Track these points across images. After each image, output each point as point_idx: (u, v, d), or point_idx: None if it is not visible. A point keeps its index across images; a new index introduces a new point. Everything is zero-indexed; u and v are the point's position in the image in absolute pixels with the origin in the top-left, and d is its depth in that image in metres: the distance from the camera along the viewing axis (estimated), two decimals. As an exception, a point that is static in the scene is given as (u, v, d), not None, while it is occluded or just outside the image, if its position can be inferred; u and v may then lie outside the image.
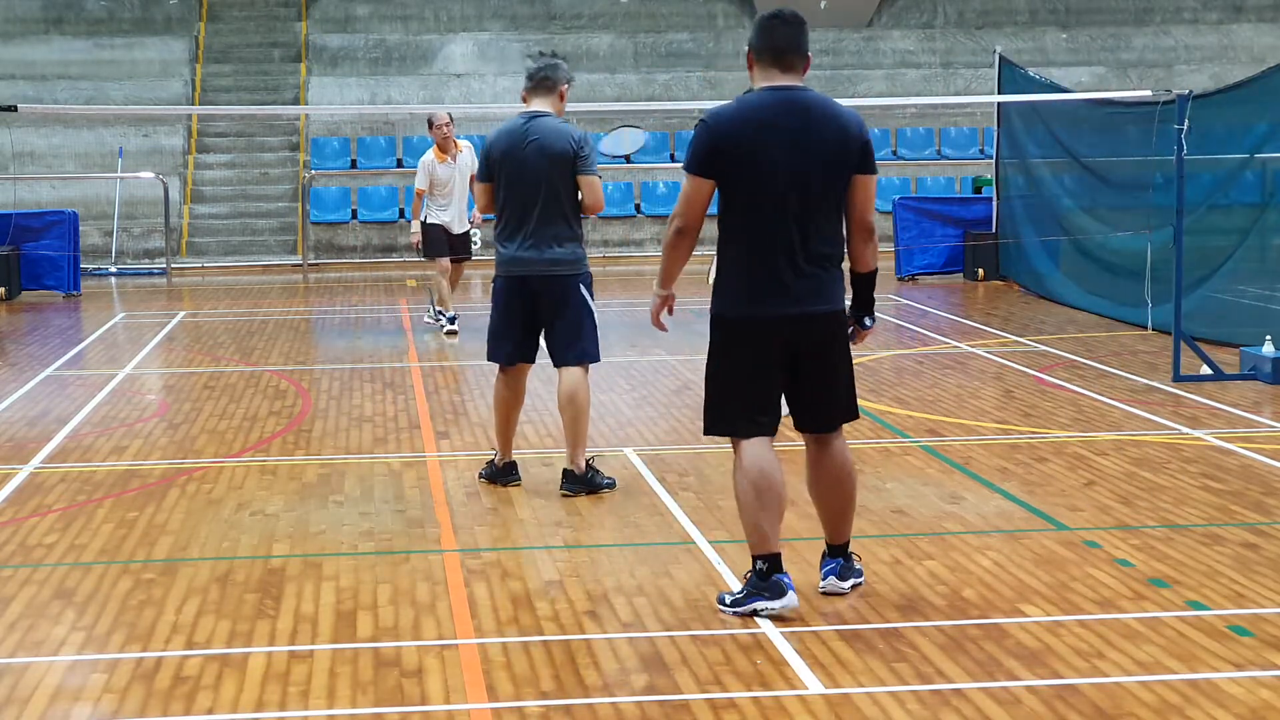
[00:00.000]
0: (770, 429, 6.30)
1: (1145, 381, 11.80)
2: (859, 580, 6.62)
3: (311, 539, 7.62)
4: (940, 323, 15.60)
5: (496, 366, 8.55)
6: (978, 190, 22.26)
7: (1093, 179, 16.51)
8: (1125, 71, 26.69)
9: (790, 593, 6.20)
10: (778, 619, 6.17)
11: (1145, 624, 6.15)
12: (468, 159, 14.78)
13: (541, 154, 8.14)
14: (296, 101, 25.40)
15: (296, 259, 22.99)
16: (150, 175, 23.05)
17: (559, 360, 8.37)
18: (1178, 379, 11.65)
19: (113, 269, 22.38)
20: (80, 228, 20.12)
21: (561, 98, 8.40)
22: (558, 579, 6.84)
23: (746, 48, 6.40)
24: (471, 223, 15.10)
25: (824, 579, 6.56)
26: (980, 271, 19.09)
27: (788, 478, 6.30)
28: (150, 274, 22.31)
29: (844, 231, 6.33)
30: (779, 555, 6.22)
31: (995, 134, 19.38)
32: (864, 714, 5.27)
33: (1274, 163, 13.96)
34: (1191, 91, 12.55)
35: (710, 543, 7.37)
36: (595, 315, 8.38)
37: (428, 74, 26.42)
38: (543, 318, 8.32)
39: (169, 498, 8.46)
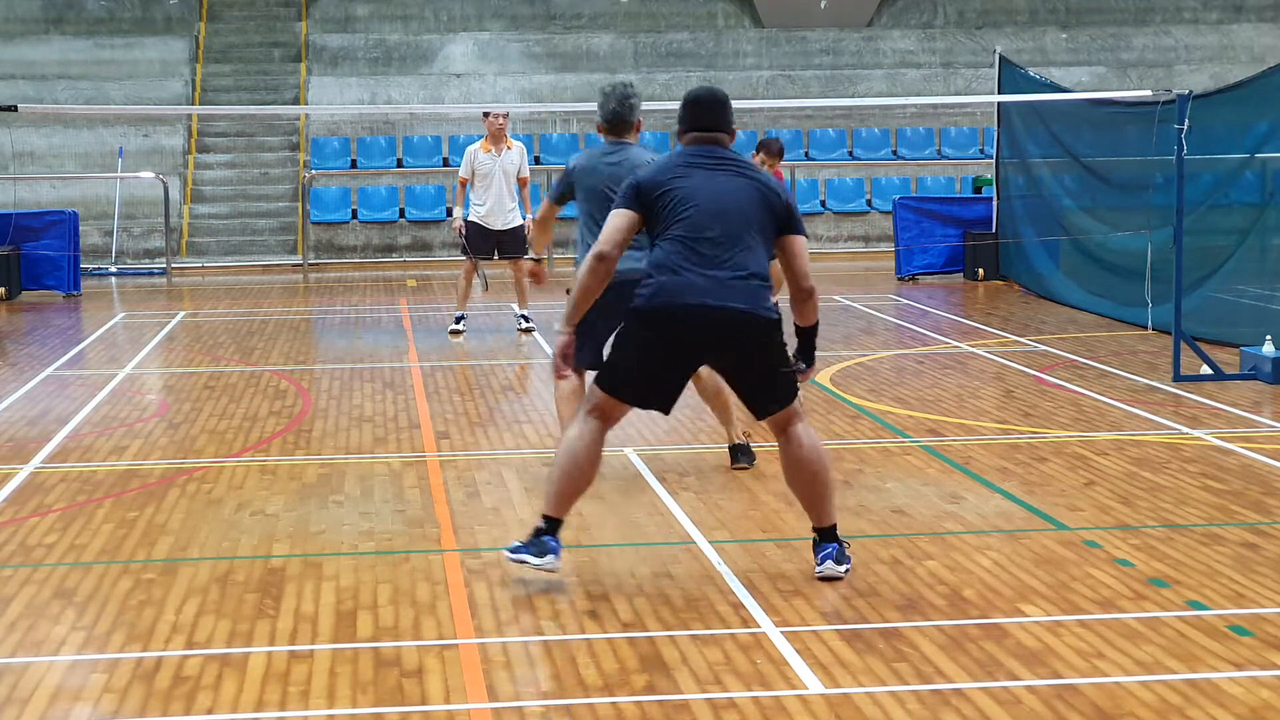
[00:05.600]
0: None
1: (1145, 381, 11.80)
2: (848, 565, 6.81)
3: (311, 539, 7.62)
4: (940, 323, 15.60)
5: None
6: (978, 190, 22.26)
7: (1093, 179, 16.51)
8: (1125, 71, 26.69)
9: (549, 555, 6.67)
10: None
11: (1145, 624, 6.15)
12: (515, 157, 14.81)
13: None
14: (296, 101, 25.40)
15: (296, 259, 22.99)
16: (150, 175, 23.06)
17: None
18: (1178, 379, 11.65)
19: (113, 269, 22.39)
20: (80, 228, 20.11)
21: (637, 129, 9.01)
22: (558, 579, 6.83)
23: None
24: (527, 226, 14.66)
25: (820, 564, 6.73)
26: (980, 271, 19.09)
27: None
28: (150, 274, 22.31)
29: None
30: (560, 522, 6.75)
31: (995, 134, 19.38)
32: (864, 714, 5.27)
33: (1274, 163, 13.95)
34: (1191, 91, 12.55)
35: (710, 543, 7.37)
36: None
37: (428, 74, 26.42)
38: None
39: (169, 498, 8.46)
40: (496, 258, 14.98)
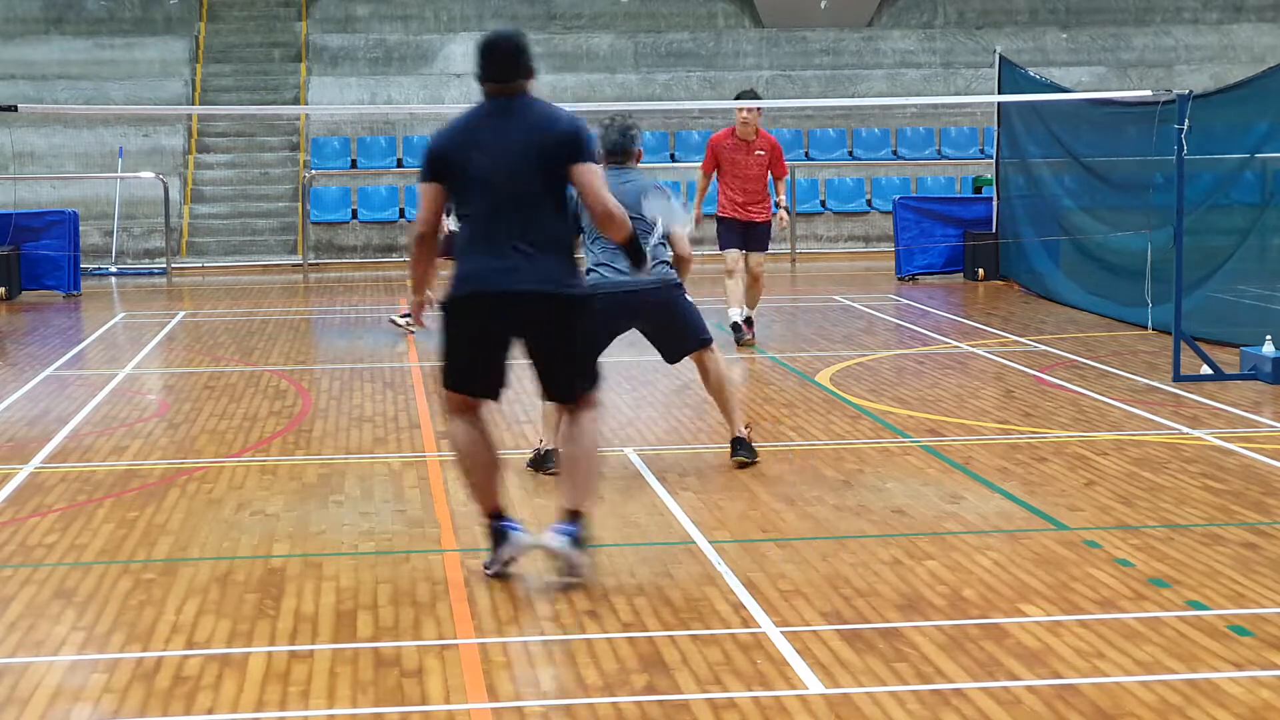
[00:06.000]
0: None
1: (1145, 381, 11.80)
2: (585, 560, 6.79)
3: (311, 539, 7.62)
4: (940, 323, 15.60)
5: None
6: (978, 190, 22.26)
7: (1093, 179, 16.50)
8: (1125, 71, 26.69)
9: (510, 536, 6.76)
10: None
11: (1145, 624, 6.15)
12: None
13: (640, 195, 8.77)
14: (296, 101, 25.39)
15: (297, 259, 22.99)
16: (150, 175, 23.05)
17: (666, 359, 9.18)
18: (1178, 379, 11.65)
19: (113, 269, 22.39)
20: (80, 228, 20.11)
21: (638, 158, 9.13)
22: (558, 579, 6.83)
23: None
24: None
25: (556, 538, 6.73)
26: (980, 271, 19.09)
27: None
28: (150, 274, 22.31)
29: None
30: (499, 508, 6.83)
31: (995, 134, 19.38)
32: (864, 714, 5.27)
33: (1274, 163, 13.94)
34: (1191, 91, 12.54)
35: (710, 543, 7.37)
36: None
37: (428, 74, 26.42)
38: (650, 322, 9.02)
39: (169, 498, 8.46)
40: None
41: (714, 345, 9.11)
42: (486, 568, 6.87)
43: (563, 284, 6.74)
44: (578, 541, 6.76)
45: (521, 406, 11.13)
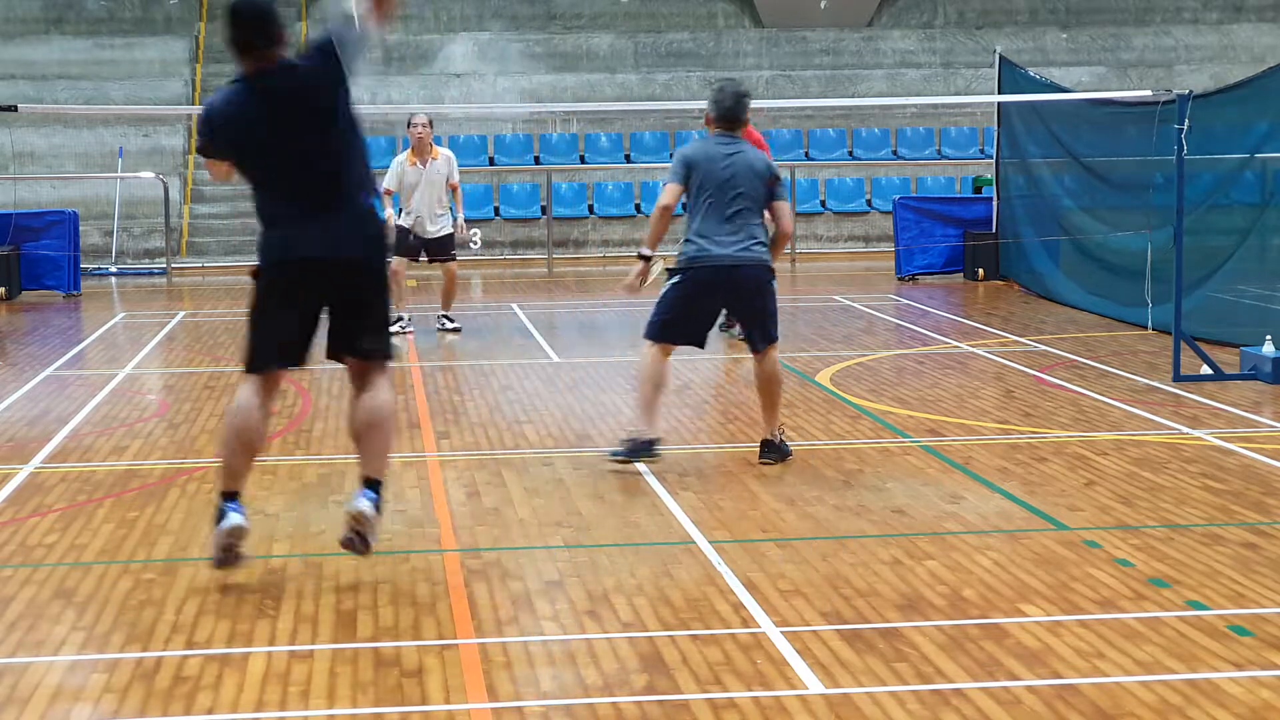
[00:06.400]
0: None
1: (1145, 381, 11.80)
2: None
3: (311, 539, 7.62)
4: (940, 323, 15.60)
5: (647, 343, 9.08)
6: (978, 190, 22.26)
7: (1093, 179, 16.51)
8: (1125, 71, 26.69)
9: (226, 518, 6.74)
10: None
11: (1145, 624, 6.15)
12: (442, 167, 14.73)
13: (750, 169, 9.02)
14: (296, 101, 25.36)
15: (296, 259, 22.97)
16: (150, 175, 23.05)
17: (756, 347, 9.09)
18: (1178, 379, 11.65)
19: (113, 269, 22.38)
20: (80, 228, 20.11)
21: (746, 126, 9.38)
22: (558, 579, 6.84)
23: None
24: (459, 229, 14.95)
25: (358, 502, 6.80)
26: (980, 271, 19.09)
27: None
28: (150, 274, 22.31)
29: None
30: (239, 492, 6.83)
31: (995, 134, 19.38)
32: (864, 714, 5.27)
33: (1274, 163, 13.94)
34: (1191, 91, 12.54)
35: (710, 543, 7.37)
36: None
37: (428, 74, 26.42)
38: (745, 305, 9.11)
39: (169, 498, 8.46)
40: (426, 260, 15.05)
41: (776, 344, 9.12)
42: (219, 561, 6.76)
43: (369, 250, 6.82)
44: (379, 507, 6.86)
45: (521, 407, 11.13)
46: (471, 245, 23.24)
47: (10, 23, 26.50)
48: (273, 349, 6.88)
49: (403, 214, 14.92)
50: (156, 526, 7.84)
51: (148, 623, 6.32)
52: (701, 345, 9.33)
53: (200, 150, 6.99)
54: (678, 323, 9.05)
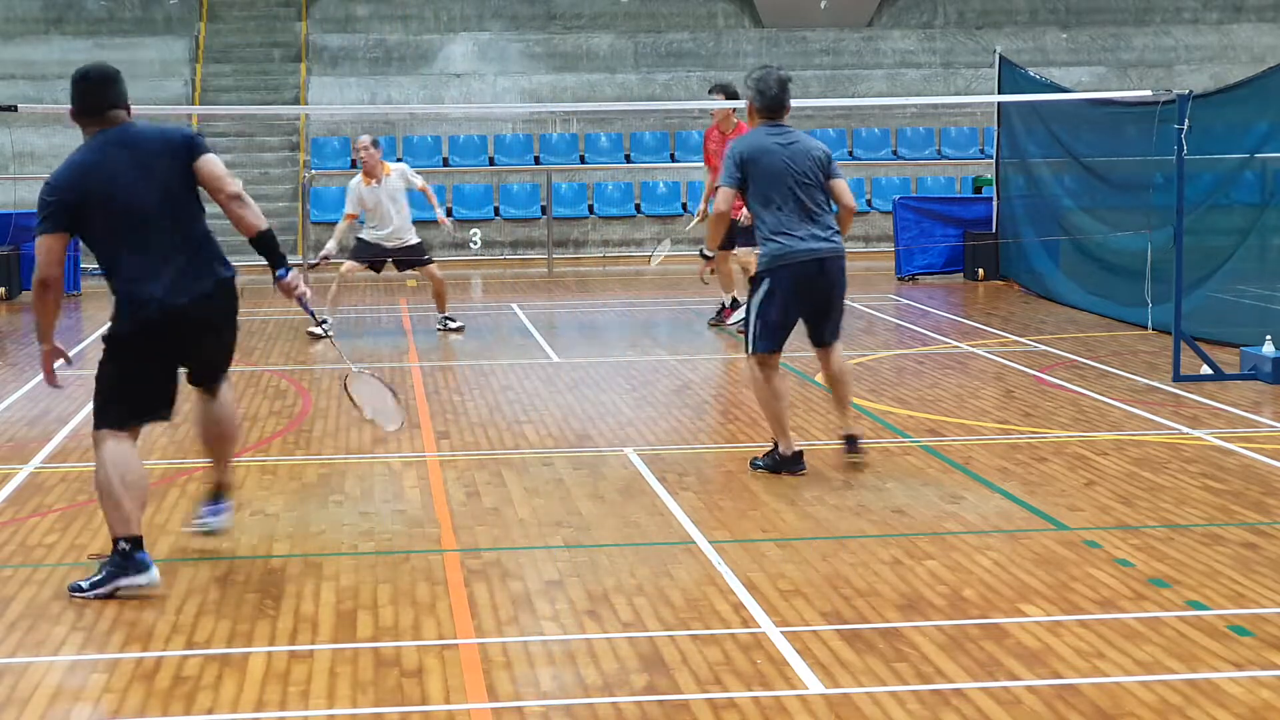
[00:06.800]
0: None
1: (1145, 381, 11.80)
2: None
3: (311, 539, 7.62)
4: (940, 323, 15.60)
5: (753, 359, 8.87)
6: (978, 190, 22.25)
7: (1093, 179, 16.51)
8: (1125, 71, 26.69)
9: (152, 569, 6.73)
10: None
11: (1145, 624, 6.15)
12: (396, 182, 14.89)
13: (809, 155, 8.80)
14: (296, 101, 25.38)
15: (297, 259, 22.98)
16: (150, 175, 23.01)
17: (826, 341, 8.95)
18: (1178, 379, 11.65)
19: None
20: (80, 228, 20.07)
21: (787, 111, 9.00)
22: (558, 579, 6.84)
23: None
24: (443, 223, 15.15)
25: (219, 518, 7.38)
26: (980, 271, 19.09)
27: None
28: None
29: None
30: (140, 537, 6.79)
31: (995, 134, 19.38)
32: (864, 714, 5.27)
33: (1274, 163, 13.94)
34: (1191, 91, 12.54)
35: (710, 543, 7.38)
36: None
37: (428, 74, 26.42)
38: (825, 300, 8.85)
39: (169, 498, 8.46)
40: (397, 270, 15.36)
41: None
42: (88, 590, 6.68)
43: (220, 276, 7.16)
44: (229, 511, 7.44)
45: (521, 407, 11.13)
46: (471, 245, 23.25)
47: (10, 23, 26.50)
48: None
49: (366, 230, 15.19)
50: (156, 526, 7.84)
51: (148, 623, 6.32)
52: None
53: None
54: (778, 327, 8.82)
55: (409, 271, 15.43)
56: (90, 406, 11.07)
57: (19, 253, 19.02)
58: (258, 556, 7.29)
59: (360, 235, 15.22)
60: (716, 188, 14.39)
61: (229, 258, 7.39)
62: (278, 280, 7.24)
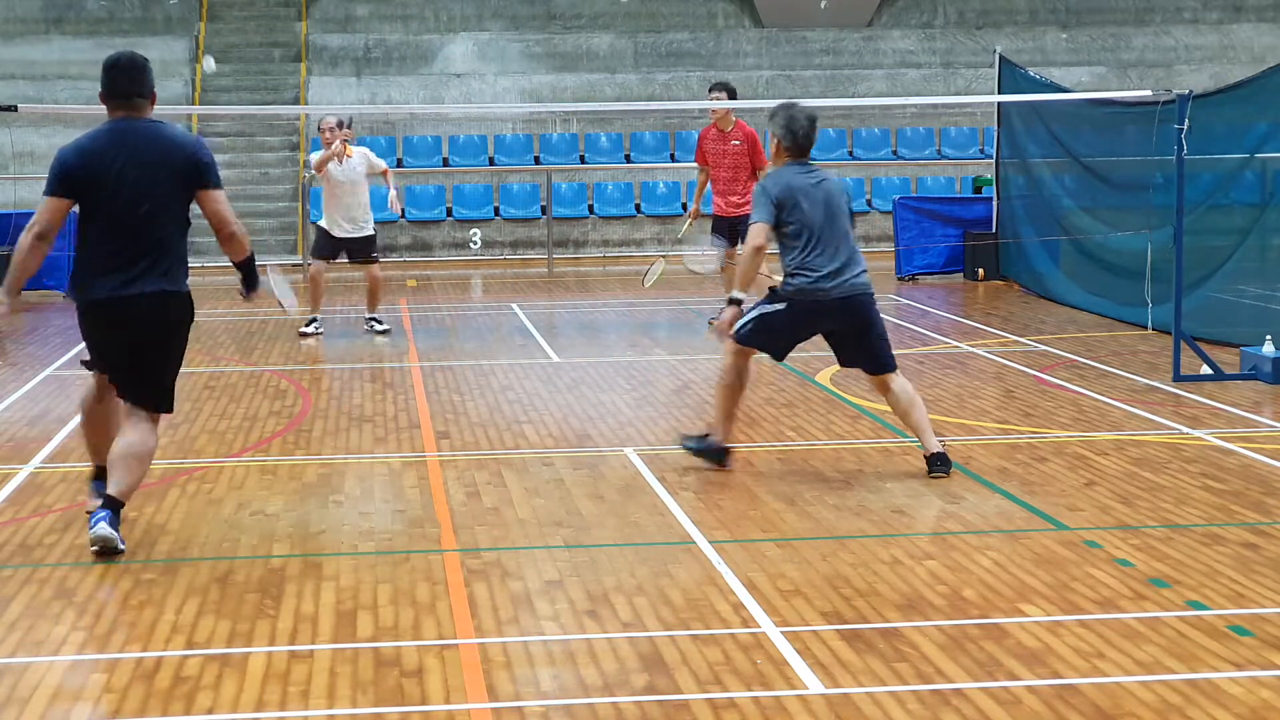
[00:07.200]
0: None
1: (1145, 381, 11.80)
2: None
3: (311, 539, 7.62)
4: (940, 323, 15.61)
5: (731, 343, 8.85)
6: (978, 190, 22.26)
7: (1093, 179, 16.50)
8: (1125, 71, 26.69)
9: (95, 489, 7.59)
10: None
11: (1145, 624, 6.15)
12: (358, 164, 14.76)
13: (838, 193, 8.80)
14: (296, 101, 25.38)
15: (297, 259, 22.97)
16: (150, 175, 23.00)
17: (873, 371, 8.86)
18: (1178, 379, 11.65)
19: None
20: (80, 228, 20.08)
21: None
22: (558, 579, 6.84)
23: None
24: (392, 204, 14.98)
25: (106, 524, 7.22)
26: (980, 271, 19.09)
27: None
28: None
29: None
30: (104, 467, 7.55)
31: (995, 134, 19.38)
32: (864, 714, 5.27)
33: (1274, 163, 13.94)
34: (1191, 91, 12.54)
35: (710, 543, 7.38)
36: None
37: (428, 74, 26.42)
38: (850, 333, 8.80)
39: (169, 498, 8.46)
40: (346, 260, 15.15)
41: (898, 370, 8.89)
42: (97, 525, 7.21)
43: (179, 289, 7.42)
44: (118, 523, 7.32)
45: (521, 407, 11.13)
46: (471, 245, 23.25)
47: (10, 23, 26.50)
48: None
49: (323, 217, 15.04)
50: (156, 526, 7.84)
51: (148, 623, 6.32)
52: (780, 360, 9.19)
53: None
54: (769, 337, 8.81)
55: (362, 263, 15.13)
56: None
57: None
58: (258, 556, 7.29)
59: (320, 224, 15.06)
60: (720, 191, 14.40)
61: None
62: (244, 294, 7.76)
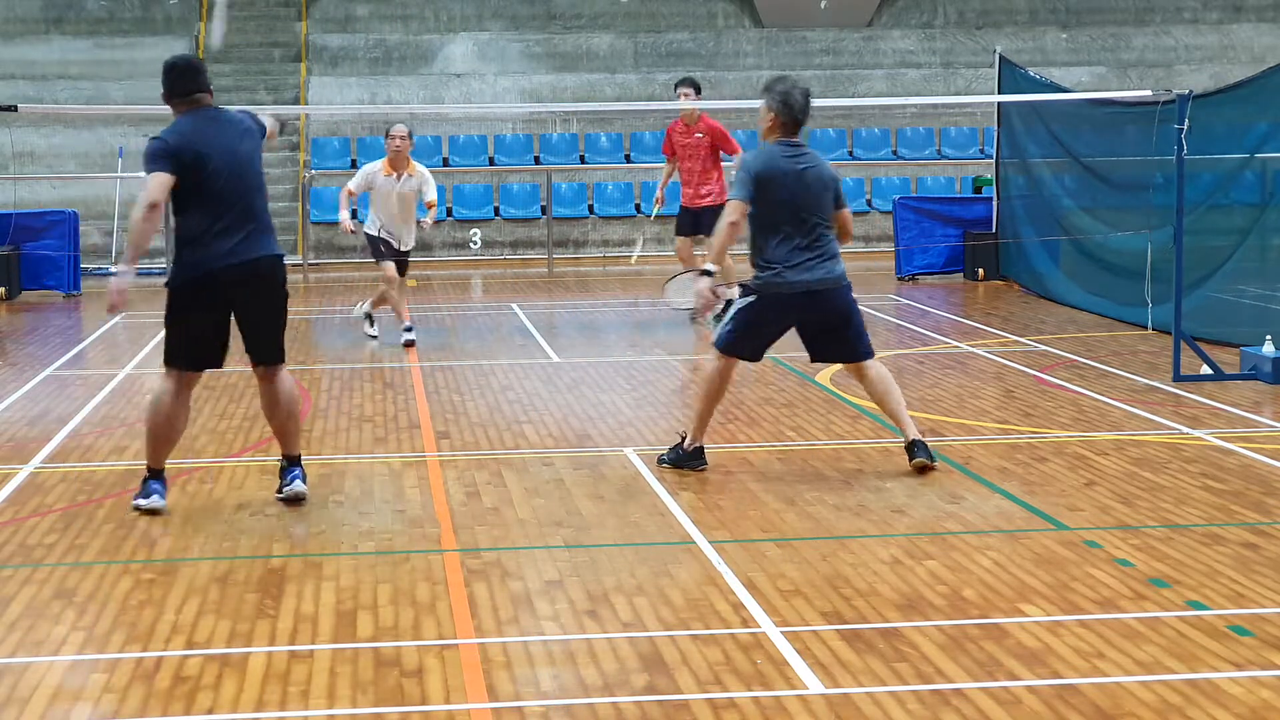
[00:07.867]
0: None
1: (1145, 381, 11.80)
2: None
3: (311, 539, 7.62)
4: (940, 323, 15.61)
5: (714, 352, 8.86)
6: (978, 190, 22.25)
7: (1093, 179, 16.50)
8: (1125, 71, 26.68)
9: (154, 495, 8.08)
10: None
11: (1145, 624, 6.15)
12: (415, 184, 14.06)
13: (821, 180, 8.70)
14: (296, 101, 25.37)
15: (297, 259, 22.97)
16: (150, 175, 22.99)
17: (846, 360, 8.94)
18: (1178, 379, 11.65)
19: (113, 269, 22.32)
20: (80, 227, 20.09)
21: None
22: (558, 579, 6.84)
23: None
24: (422, 225, 14.34)
25: (289, 484, 8.23)
26: (980, 271, 19.09)
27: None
28: (150, 274, 22.28)
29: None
30: (163, 470, 8.21)
31: (995, 134, 19.38)
32: (864, 714, 5.27)
33: (1274, 163, 13.94)
34: (1191, 91, 12.54)
35: (710, 543, 7.38)
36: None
37: (428, 74, 26.42)
38: (823, 324, 8.77)
39: (169, 498, 8.46)
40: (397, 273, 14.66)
41: (874, 357, 8.90)
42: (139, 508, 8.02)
43: (274, 250, 8.14)
44: (304, 478, 8.31)
45: (521, 407, 11.13)
46: (471, 245, 23.24)
47: (10, 23, 26.49)
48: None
49: (374, 224, 14.23)
50: (157, 526, 7.84)
51: (148, 623, 6.32)
52: (758, 360, 9.10)
53: None
54: (750, 336, 8.77)
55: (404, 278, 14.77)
56: (90, 407, 11.11)
57: (19, 253, 19.01)
58: (258, 556, 7.29)
59: (377, 234, 14.20)
60: (689, 180, 14.53)
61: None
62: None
